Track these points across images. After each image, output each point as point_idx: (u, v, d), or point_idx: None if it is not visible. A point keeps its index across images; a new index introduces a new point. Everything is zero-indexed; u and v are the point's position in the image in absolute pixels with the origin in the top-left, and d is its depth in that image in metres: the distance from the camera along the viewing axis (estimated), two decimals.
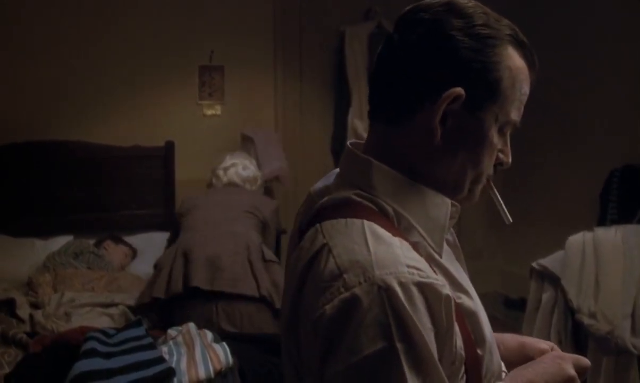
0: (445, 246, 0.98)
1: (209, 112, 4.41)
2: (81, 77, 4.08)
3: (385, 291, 0.78)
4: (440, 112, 0.89)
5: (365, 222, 0.86)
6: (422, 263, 0.84)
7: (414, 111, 0.91)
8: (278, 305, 2.64)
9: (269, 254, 2.86)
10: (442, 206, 0.94)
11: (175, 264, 2.72)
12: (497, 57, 0.90)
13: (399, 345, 0.77)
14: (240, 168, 3.37)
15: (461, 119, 0.90)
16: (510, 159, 1.00)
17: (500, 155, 0.98)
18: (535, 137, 4.40)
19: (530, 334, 3.05)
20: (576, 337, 2.90)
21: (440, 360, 0.81)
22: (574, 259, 2.93)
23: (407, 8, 0.96)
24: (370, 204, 0.90)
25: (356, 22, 4.66)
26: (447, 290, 0.83)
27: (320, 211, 0.94)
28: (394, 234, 0.86)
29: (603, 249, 2.90)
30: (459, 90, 0.88)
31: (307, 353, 0.86)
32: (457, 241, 1.06)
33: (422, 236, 0.91)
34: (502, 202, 1.03)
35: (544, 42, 4.55)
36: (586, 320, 2.78)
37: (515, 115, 0.94)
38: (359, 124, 4.56)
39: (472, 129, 0.91)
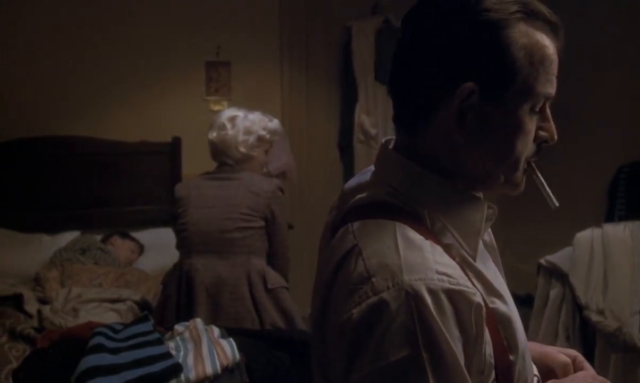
0: (481, 247, 0.95)
1: (216, 108, 4.40)
2: (88, 72, 4.09)
3: (413, 298, 0.76)
4: (456, 111, 0.86)
5: (397, 224, 0.84)
6: (453, 269, 0.82)
7: (431, 114, 0.89)
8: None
9: (274, 280, 2.67)
10: (478, 209, 0.92)
11: (181, 294, 2.64)
12: (506, 40, 0.85)
13: (424, 354, 0.75)
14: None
15: (482, 111, 0.87)
16: (555, 135, 0.94)
17: (542, 133, 0.93)
18: None
19: (537, 331, 3.04)
20: (584, 333, 2.89)
21: (468, 368, 0.79)
22: (582, 255, 2.92)
23: (413, 5, 0.93)
24: (403, 205, 0.88)
25: (363, 17, 4.65)
26: (478, 297, 0.80)
27: (352, 210, 0.92)
28: (427, 237, 0.84)
29: (612, 245, 2.89)
30: (470, 85, 0.85)
31: (333, 353, 0.85)
32: (494, 242, 1.04)
33: (456, 239, 0.89)
34: (546, 186, 0.98)
35: None
36: (594, 317, 2.77)
37: (544, 88, 0.89)
38: (365, 120, 4.55)
39: (496, 119, 0.88)
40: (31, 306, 2.92)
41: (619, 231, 2.95)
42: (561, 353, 1.07)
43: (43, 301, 3.01)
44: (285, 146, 3.80)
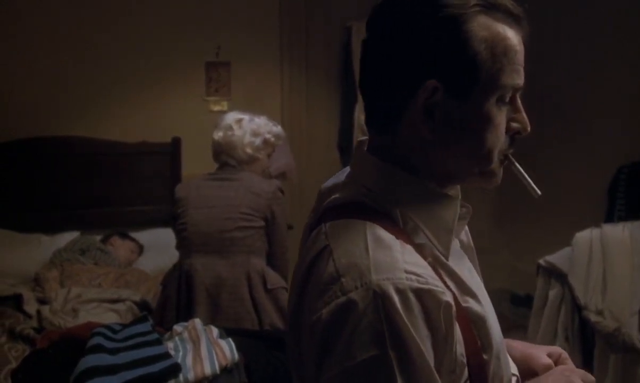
0: (457, 247, 0.96)
1: (216, 108, 4.41)
2: (88, 72, 4.09)
3: (380, 298, 0.77)
4: (421, 109, 0.87)
5: (368, 224, 0.85)
6: (422, 268, 0.82)
7: (399, 114, 0.89)
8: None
9: (274, 280, 2.68)
10: (450, 207, 0.92)
11: (180, 294, 2.65)
12: (465, 34, 0.85)
13: (392, 353, 0.76)
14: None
15: (447, 108, 0.87)
16: (527, 125, 0.93)
17: (514, 124, 0.92)
18: (542, 133, 4.37)
19: (536, 331, 3.04)
20: (583, 334, 2.89)
21: (439, 368, 0.80)
22: (581, 256, 2.92)
23: (375, 7, 0.94)
24: (375, 205, 0.89)
25: (363, 18, 4.64)
26: (447, 296, 0.81)
27: (326, 211, 0.93)
28: (397, 237, 0.84)
29: (611, 246, 2.89)
30: (433, 82, 0.85)
31: (306, 353, 0.86)
32: (471, 241, 1.04)
33: (428, 238, 0.89)
34: (526, 176, 0.97)
35: (551, 34, 4.55)
36: (593, 317, 2.77)
37: (510, 79, 0.88)
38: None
39: (463, 114, 0.87)
40: (31, 307, 2.92)
41: (618, 231, 2.95)
42: (545, 355, 1.06)
43: (42, 301, 3.01)
44: (285, 149, 3.81)
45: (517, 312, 4.41)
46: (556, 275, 3.03)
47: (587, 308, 2.79)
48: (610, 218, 3.84)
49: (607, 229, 2.99)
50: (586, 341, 2.86)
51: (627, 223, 3.03)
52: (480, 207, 5.15)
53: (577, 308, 2.88)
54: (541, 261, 3.11)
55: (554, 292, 3.01)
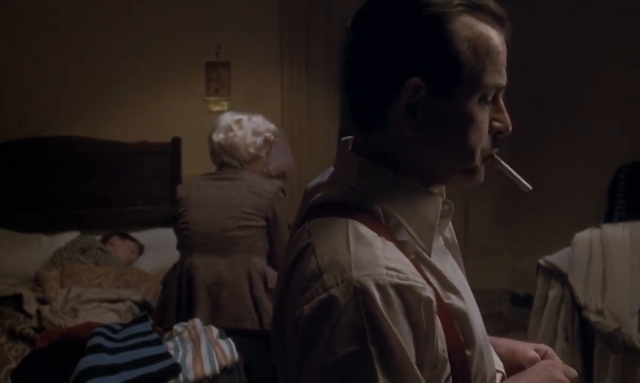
0: (441, 244, 0.97)
1: (216, 108, 4.41)
2: (88, 72, 4.09)
3: (361, 294, 0.78)
4: (404, 107, 0.87)
5: (350, 221, 0.85)
6: (403, 264, 0.82)
7: (383, 112, 0.90)
8: None
9: (274, 279, 2.66)
10: (432, 204, 0.93)
11: (181, 293, 2.65)
12: (448, 34, 0.85)
13: (372, 348, 0.76)
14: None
15: (430, 107, 0.87)
16: (509, 125, 0.94)
17: (496, 124, 0.93)
18: (543, 133, 4.37)
19: (536, 331, 3.04)
20: (583, 334, 2.89)
21: (420, 363, 0.80)
22: (581, 256, 2.91)
23: (360, 7, 0.94)
24: (357, 203, 0.90)
25: None
26: (427, 292, 0.81)
27: (310, 209, 0.94)
28: (380, 234, 0.85)
29: (611, 246, 2.89)
30: (416, 80, 0.86)
31: (290, 350, 0.86)
32: (455, 239, 1.05)
33: (410, 235, 0.90)
34: (514, 172, 0.98)
35: (551, 35, 4.55)
36: (593, 317, 2.77)
37: (492, 79, 0.89)
38: None
39: (446, 113, 0.88)
40: (31, 307, 2.92)
41: (617, 231, 2.95)
42: (531, 349, 1.08)
43: (42, 301, 3.01)
44: (285, 148, 3.81)
45: (517, 312, 4.40)
46: (556, 275, 3.03)
47: (587, 308, 2.79)
48: (610, 218, 3.83)
49: (607, 229, 2.99)
50: (586, 341, 2.86)
51: (627, 223, 3.03)
52: (481, 207, 5.16)
53: (577, 308, 2.88)
54: (541, 261, 3.11)
55: (554, 292, 3.01)
